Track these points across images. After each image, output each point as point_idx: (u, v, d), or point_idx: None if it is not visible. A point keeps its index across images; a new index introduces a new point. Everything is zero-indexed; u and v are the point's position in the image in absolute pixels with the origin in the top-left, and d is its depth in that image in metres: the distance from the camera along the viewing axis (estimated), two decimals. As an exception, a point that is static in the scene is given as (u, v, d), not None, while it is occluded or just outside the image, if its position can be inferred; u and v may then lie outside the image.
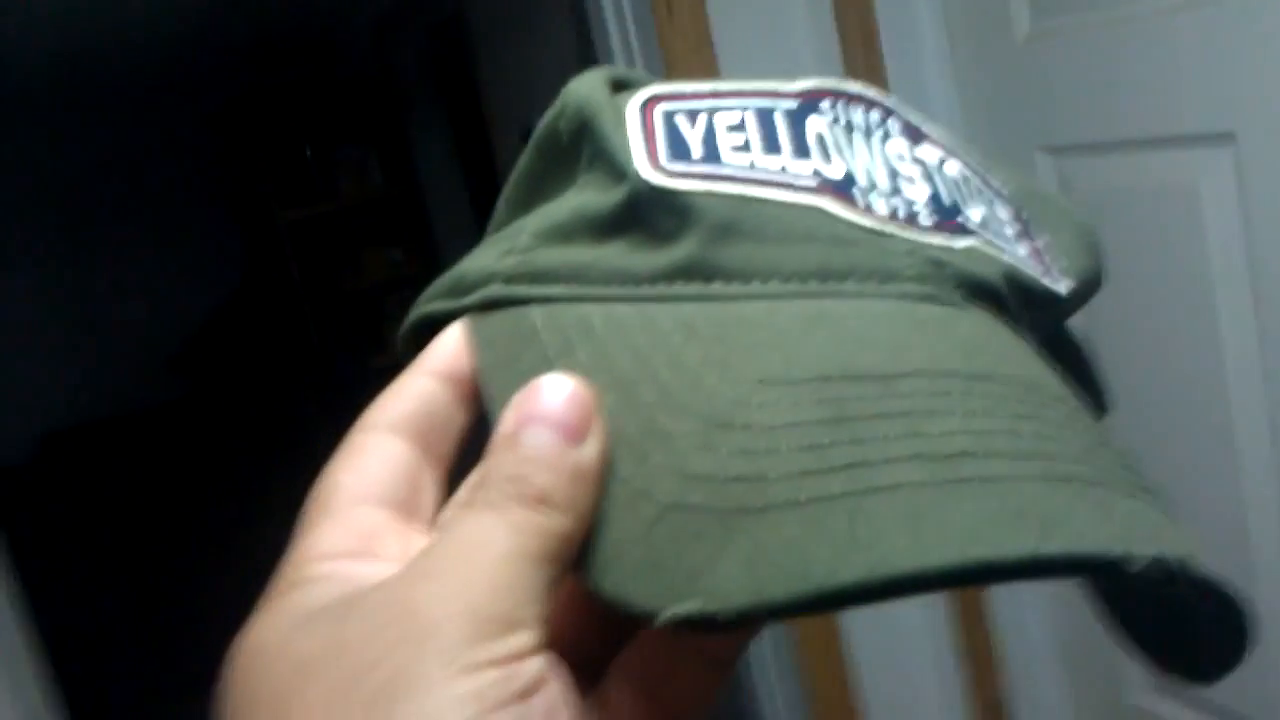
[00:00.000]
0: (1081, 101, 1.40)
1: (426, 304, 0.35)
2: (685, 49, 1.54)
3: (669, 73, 1.52)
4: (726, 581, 0.24)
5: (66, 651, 1.99)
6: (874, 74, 1.57)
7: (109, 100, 4.88)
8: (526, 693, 0.24)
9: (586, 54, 1.92)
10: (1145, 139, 1.33)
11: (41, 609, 1.62)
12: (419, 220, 4.40)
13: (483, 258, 0.35)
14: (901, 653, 1.74)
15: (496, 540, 0.26)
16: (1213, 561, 0.25)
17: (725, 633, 0.24)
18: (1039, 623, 1.75)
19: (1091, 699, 1.70)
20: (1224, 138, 1.23)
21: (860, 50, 1.57)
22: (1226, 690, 1.39)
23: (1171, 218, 1.32)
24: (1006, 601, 1.74)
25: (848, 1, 1.56)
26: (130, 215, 5.20)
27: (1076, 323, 0.41)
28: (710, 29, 1.55)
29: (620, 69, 0.37)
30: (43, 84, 4.35)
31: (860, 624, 1.69)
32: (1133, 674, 1.58)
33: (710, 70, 1.54)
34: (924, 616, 1.73)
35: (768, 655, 1.77)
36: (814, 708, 1.70)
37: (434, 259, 4.33)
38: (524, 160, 0.36)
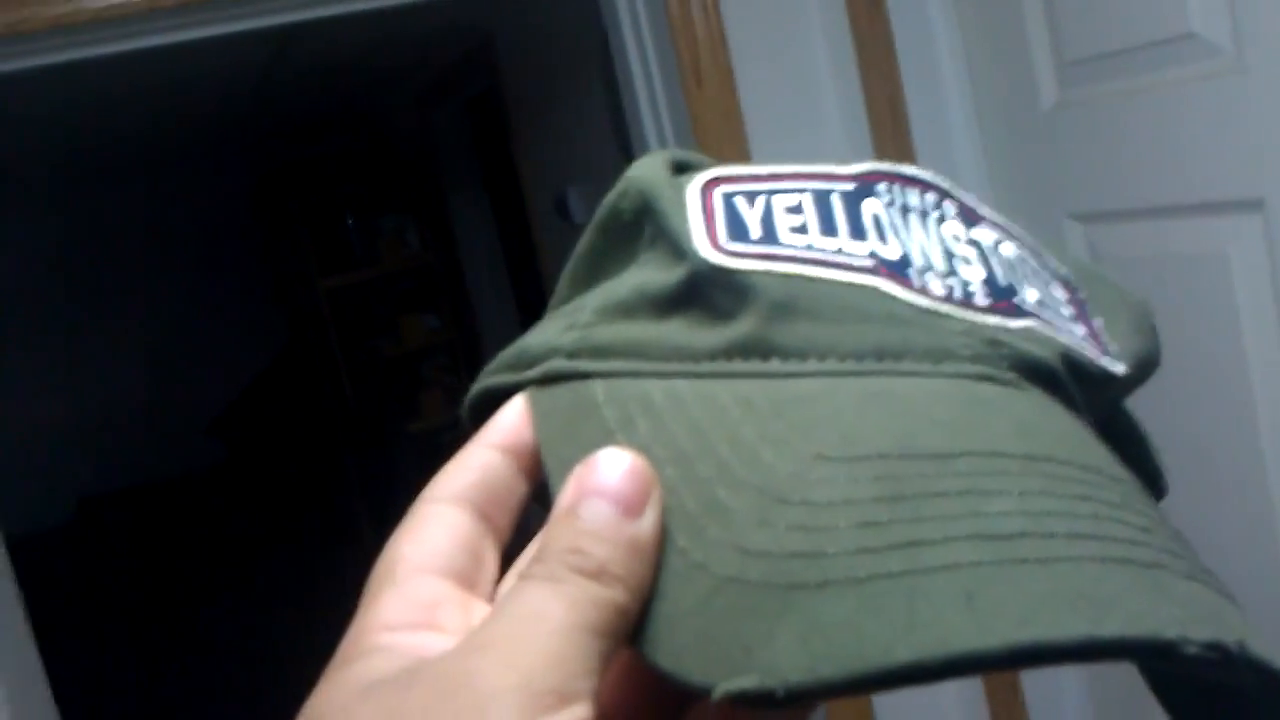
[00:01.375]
0: (1110, 169, 1.40)
1: (489, 377, 0.36)
2: (714, 119, 1.56)
3: (698, 142, 1.54)
4: (782, 657, 0.24)
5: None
6: (901, 143, 1.58)
7: (156, 173, 4.99)
8: None
9: (619, 125, 1.95)
10: (1174, 206, 1.33)
11: (70, 675, 1.62)
12: (457, 287, 4.44)
13: (545, 332, 0.35)
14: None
15: (553, 612, 0.26)
16: (1259, 643, 0.24)
17: (780, 709, 0.24)
18: (1073, 694, 1.71)
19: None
20: (1254, 205, 1.22)
21: (888, 119, 1.58)
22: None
23: (1202, 285, 1.31)
24: (1040, 672, 1.71)
25: (875, 71, 1.58)
26: (174, 283, 5.28)
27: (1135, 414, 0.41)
28: (739, 99, 1.57)
29: (681, 151, 0.38)
30: (95, 157, 4.46)
31: (891, 696, 1.66)
32: None
33: (738, 139, 1.56)
34: (956, 687, 1.70)
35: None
36: (847, 782, 1.66)
37: (471, 325, 4.37)
38: (586, 239, 0.37)
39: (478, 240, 4.18)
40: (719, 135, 1.55)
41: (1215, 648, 0.23)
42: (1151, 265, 1.37)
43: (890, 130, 1.58)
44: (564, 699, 0.25)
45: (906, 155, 1.55)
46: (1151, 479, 0.39)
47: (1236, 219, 1.25)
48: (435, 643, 0.27)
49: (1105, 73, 1.37)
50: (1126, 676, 0.32)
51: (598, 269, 0.37)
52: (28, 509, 4.56)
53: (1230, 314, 1.28)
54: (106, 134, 4.02)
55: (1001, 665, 0.23)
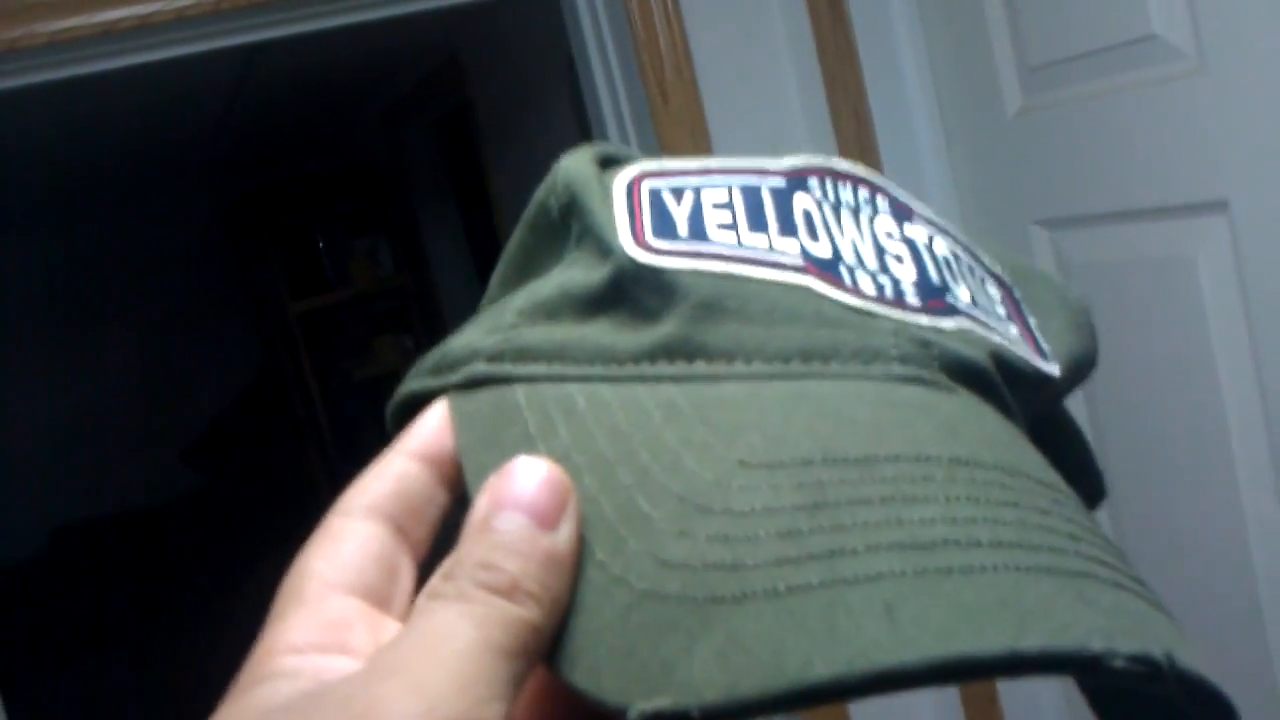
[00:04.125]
0: (1074, 174, 1.40)
1: (411, 382, 0.35)
2: (680, 135, 1.56)
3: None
4: (700, 675, 0.23)
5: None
6: (868, 153, 1.58)
7: (118, 198, 4.96)
8: None
9: (587, 141, 1.95)
10: (1139, 210, 1.33)
11: (41, 707, 1.60)
12: (429, 307, 4.42)
13: (468, 335, 0.34)
14: None
15: (461, 633, 0.25)
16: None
17: None
18: (1051, 706, 1.71)
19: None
20: (1218, 206, 1.23)
21: (853, 129, 1.59)
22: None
23: (1169, 288, 1.32)
24: (1017, 684, 1.71)
25: (839, 83, 1.58)
26: (147, 310, 5.24)
27: (1076, 399, 0.40)
28: (705, 115, 1.57)
29: (613, 146, 0.37)
30: (49, 183, 4.42)
31: (870, 712, 1.66)
32: None
33: (705, 155, 1.55)
34: (934, 699, 1.69)
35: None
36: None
37: (445, 346, 4.35)
38: (515, 236, 0.36)
39: (450, 259, 4.17)
40: (685, 151, 1.55)
41: (1142, 660, 0.23)
42: (1118, 270, 1.37)
43: (856, 140, 1.58)
44: None
45: (873, 166, 1.56)
46: (1089, 482, 0.38)
47: (1201, 221, 1.25)
48: (342, 665, 0.26)
49: (1068, 77, 1.37)
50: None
51: (527, 267, 0.36)
52: (-1, 540, 4.51)
53: (1198, 316, 1.28)
54: (72, 160, 3.99)
55: (924, 681, 0.22)
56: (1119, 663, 0.22)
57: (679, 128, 1.56)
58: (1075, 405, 0.37)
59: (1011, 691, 1.72)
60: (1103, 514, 1.47)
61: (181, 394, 5.28)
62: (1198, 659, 0.24)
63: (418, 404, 0.33)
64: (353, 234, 4.72)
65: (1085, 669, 0.22)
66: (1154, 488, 1.40)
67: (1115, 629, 0.23)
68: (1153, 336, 1.35)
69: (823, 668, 0.22)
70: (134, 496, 5.10)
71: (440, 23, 2.81)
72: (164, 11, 1.39)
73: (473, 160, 3.25)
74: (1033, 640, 0.22)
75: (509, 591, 0.25)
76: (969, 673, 0.22)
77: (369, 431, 4.54)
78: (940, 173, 1.61)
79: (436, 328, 4.47)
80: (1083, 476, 0.36)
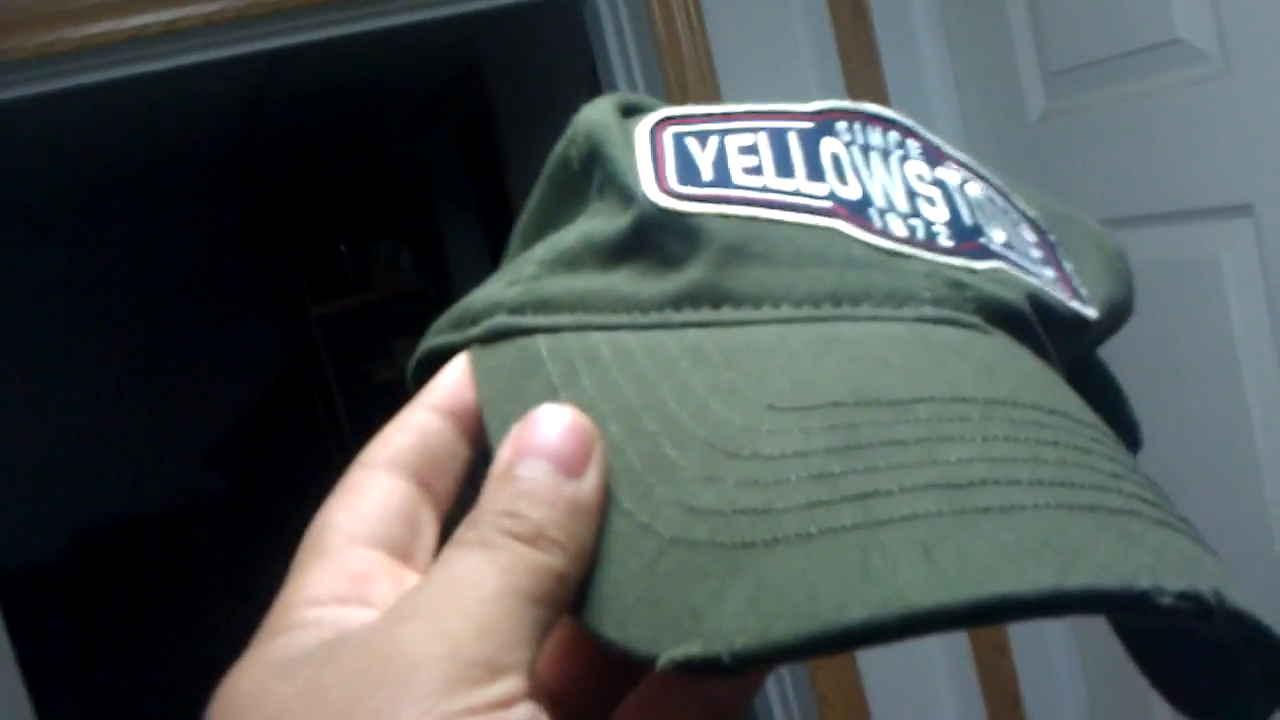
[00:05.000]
0: (1099, 178, 1.40)
1: (433, 337, 0.34)
2: (702, 137, 1.56)
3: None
4: (730, 621, 0.22)
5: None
6: (891, 157, 1.58)
7: (141, 201, 4.99)
8: None
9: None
10: (1164, 213, 1.32)
11: (64, 711, 1.60)
12: (450, 311, 4.44)
13: (489, 289, 0.34)
14: (921, 693, 1.70)
15: (485, 579, 0.24)
16: (1237, 593, 0.23)
17: (729, 676, 0.22)
18: (1064, 659, 1.70)
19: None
20: (1243, 209, 1.22)
21: (876, 134, 1.58)
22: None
23: (1194, 291, 1.31)
24: (1028, 637, 1.69)
25: (861, 87, 1.58)
26: (168, 313, 5.27)
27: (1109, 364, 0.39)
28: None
29: (634, 95, 0.36)
30: (73, 187, 4.45)
31: (878, 663, 1.65)
32: (1161, 712, 1.53)
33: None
34: (944, 655, 1.69)
35: (786, 702, 1.73)
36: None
37: (465, 349, 4.35)
38: (537, 190, 0.36)
39: (470, 264, 4.18)
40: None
41: (1190, 597, 0.22)
42: (1144, 272, 1.35)
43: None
44: (494, 671, 0.23)
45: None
46: (1125, 432, 0.37)
47: (1227, 224, 1.25)
48: (363, 616, 0.25)
49: (1092, 81, 1.37)
50: (1115, 646, 0.31)
51: (549, 221, 0.35)
52: (20, 543, 4.54)
53: (1223, 319, 1.27)
54: (96, 162, 4.02)
55: (963, 622, 0.21)
56: (1167, 600, 0.22)
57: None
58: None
59: (1028, 668, 1.72)
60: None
61: (204, 397, 5.31)
62: (1246, 598, 0.23)
63: (440, 359, 0.33)
64: (374, 238, 4.74)
65: (1132, 607, 0.22)
66: (1178, 489, 1.39)
67: (1162, 566, 0.22)
68: (1178, 339, 1.34)
69: (858, 610, 0.21)
70: (156, 499, 5.13)
71: (462, 29, 2.82)
72: (190, 17, 1.40)
73: (493, 166, 3.26)
74: (1077, 579, 0.21)
75: (533, 539, 0.25)
76: (1011, 613, 0.21)
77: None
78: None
79: (457, 332, 4.47)
80: (1118, 426, 0.34)
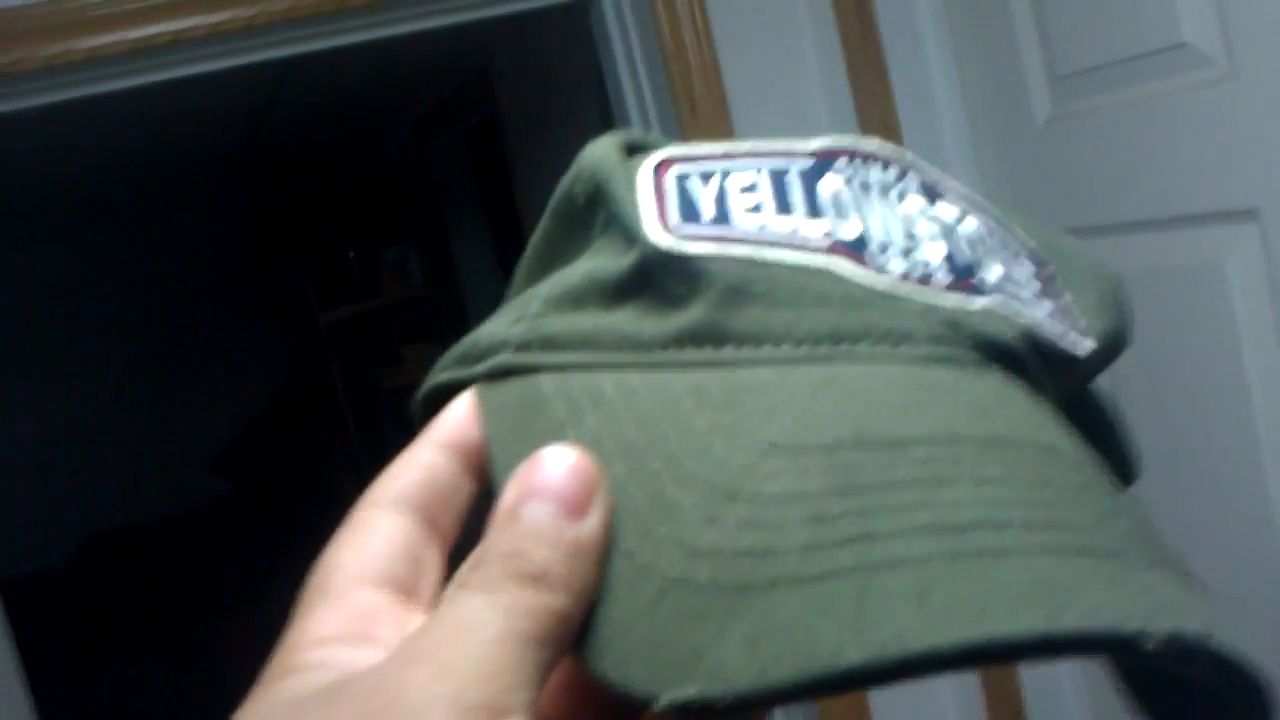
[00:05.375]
0: (1105, 183, 1.40)
1: (439, 373, 0.35)
2: (709, 143, 1.56)
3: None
4: (729, 662, 0.23)
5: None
6: (897, 162, 1.58)
7: (152, 209, 5.01)
8: None
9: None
10: (1170, 218, 1.33)
11: (75, 716, 1.61)
12: (459, 317, 4.44)
13: (495, 325, 0.34)
14: (924, 705, 1.71)
15: (488, 621, 0.25)
16: (1256, 643, 0.23)
17: (728, 717, 0.23)
18: (1069, 671, 1.70)
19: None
20: (1249, 214, 1.22)
21: (882, 139, 1.58)
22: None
23: (1200, 296, 1.31)
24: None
25: (868, 93, 1.58)
26: (177, 319, 5.29)
27: (1108, 394, 0.39)
28: (733, 126, 1.58)
29: (638, 132, 0.37)
30: (83, 193, 4.47)
31: (886, 693, 1.65)
32: None
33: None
34: (952, 686, 1.68)
35: (788, 712, 1.73)
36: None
37: (473, 355, 4.36)
38: (541, 225, 0.36)
39: (478, 270, 4.19)
40: (714, 159, 1.56)
41: (1177, 641, 0.22)
42: (1150, 278, 1.36)
43: (885, 150, 1.58)
44: (497, 713, 0.23)
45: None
46: (1124, 462, 0.37)
47: (1232, 229, 1.25)
48: (369, 657, 0.26)
49: (1098, 85, 1.37)
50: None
51: (553, 256, 0.36)
52: (27, 548, 4.55)
53: (1229, 324, 1.27)
54: (105, 169, 4.04)
55: (956, 665, 0.22)
56: (1153, 644, 0.22)
57: (707, 138, 1.56)
58: (1103, 390, 0.37)
59: (1033, 679, 1.72)
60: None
61: (212, 403, 5.32)
62: (1237, 639, 0.23)
63: (445, 395, 0.33)
64: (382, 244, 4.75)
65: (1119, 650, 0.22)
66: (1183, 497, 1.39)
67: (1150, 609, 0.23)
68: (1184, 344, 1.34)
69: (855, 653, 0.22)
70: (164, 505, 5.14)
71: (470, 36, 2.83)
72: (199, 27, 1.41)
73: (501, 172, 3.27)
74: (1066, 621, 0.22)
75: (537, 580, 0.25)
76: (1002, 655, 0.22)
77: (397, 439, 4.55)
78: (970, 182, 1.61)
79: (464, 337, 4.48)
80: (1117, 455, 0.35)
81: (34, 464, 4.83)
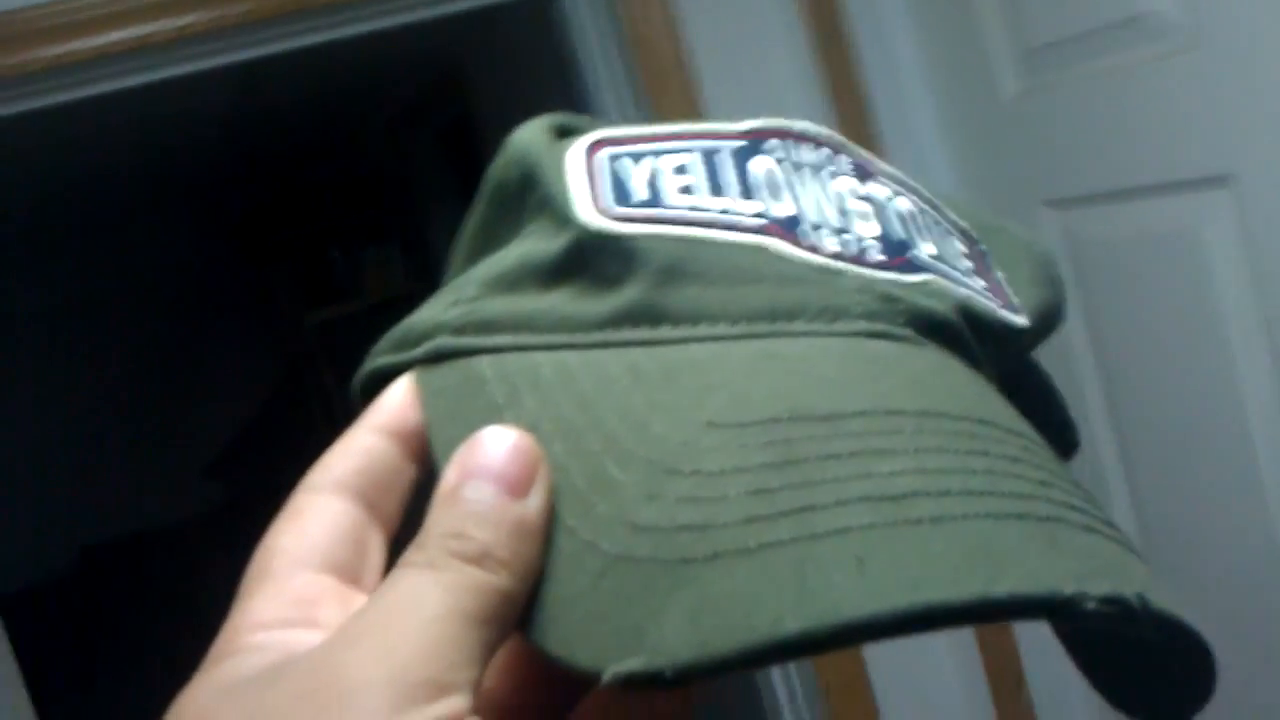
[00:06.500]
0: (1077, 154, 1.40)
1: (376, 358, 0.35)
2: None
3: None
4: (672, 635, 0.23)
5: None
6: (868, 144, 1.58)
7: (131, 217, 4.99)
8: None
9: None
10: (1145, 186, 1.33)
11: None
12: (444, 314, 4.44)
13: (431, 309, 0.34)
14: (925, 675, 1.72)
15: (430, 600, 0.25)
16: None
17: (672, 688, 0.23)
18: (1077, 687, 1.70)
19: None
20: (1223, 180, 1.22)
21: (854, 120, 1.58)
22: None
23: (1177, 263, 1.31)
24: (1044, 667, 1.70)
25: (838, 76, 1.58)
26: (163, 326, 5.28)
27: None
28: (705, 110, 1.58)
29: (568, 116, 0.37)
30: (62, 204, 4.45)
31: (881, 647, 1.66)
32: None
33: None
34: (947, 637, 1.70)
35: (791, 688, 1.74)
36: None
37: (460, 351, 4.36)
38: (474, 209, 0.36)
39: (461, 265, 4.19)
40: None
41: (1114, 601, 0.23)
42: (1126, 247, 1.37)
43: (856, 132, 1.58)
44: (439, 690, 0.23)
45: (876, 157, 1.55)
46: (1063, 433, 0.38)
47: (1207, 195, 1.25)
48: (311, 639, 0.26)
49: (1065, 58, 1.37)
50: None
51: (487, 240, 0.36)
52: (23, 561, 4.54)
53: (1207, 290, 1.28)
54: (79, 178, 4.02)
55: (896, 631, 0.22)
56: (1091, 605, 0.22)
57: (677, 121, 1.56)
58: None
59: (1038, 674, 1.72)
60: (1119, 490, 1.47)
61: (203, 409, 5.32)
62: (1171, 600, 0.24)
63: (383, 380, 0.33)
64: (365, 244, 4.74)
65: (1057, 613, 0.22)
66: (1170, 463, 1.40)
67: (1087, 572, 0.23)
68: (1162, 313, 1.34)
69: (793, 623, 0.22)
70: (160, 513, 5.14)
71: (438, 34, 2.82)
72: (163, 31, 1.40)
73: (476, 168, 3.26)
74: (1004, 586, 0.22)
75: (479, 559, 0.25)
76: (941, 621, 0.22)
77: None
78: (944, 162, 1.61)
79: (451, 334, 4.48)
80: (1055, 428, 0.36)
81: (27, 476, 4.82)
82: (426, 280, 4.53)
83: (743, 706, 1.91)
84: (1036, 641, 1.71)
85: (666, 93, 1.56)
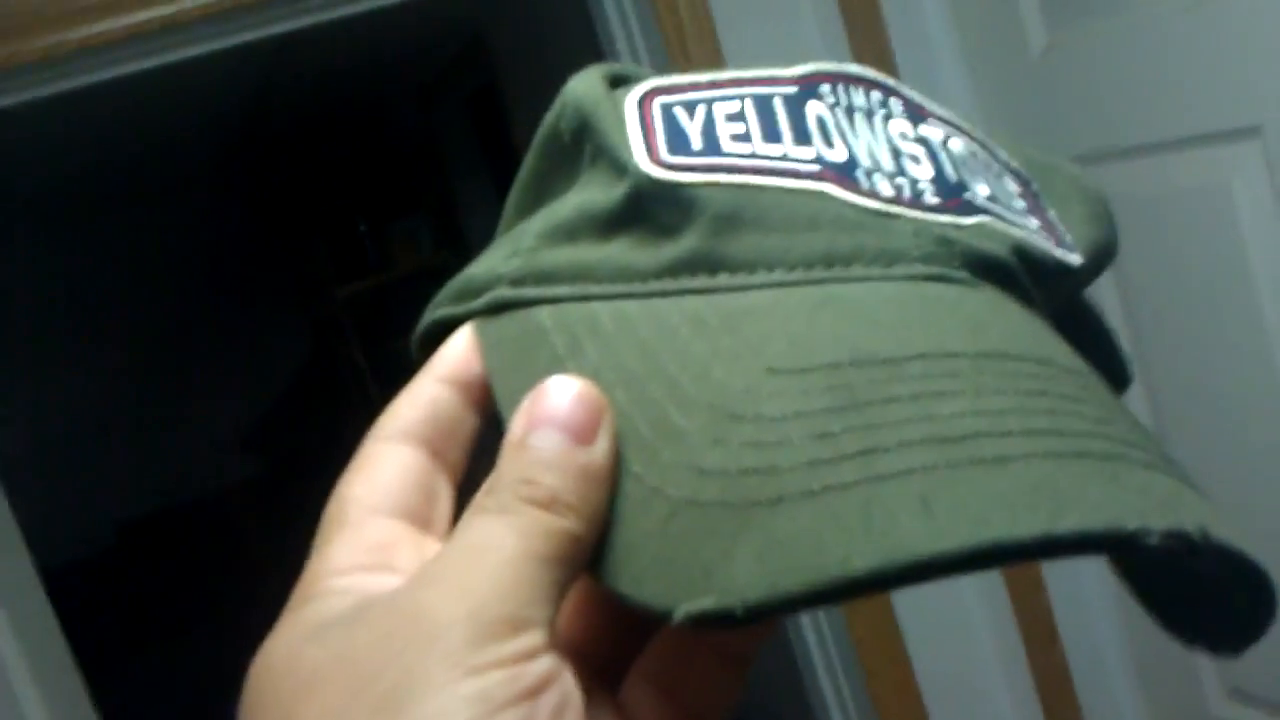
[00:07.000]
0: (1106, 108, 1.39)
1: (435, 310, 0.35)
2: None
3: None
4: (741, 576, 0.23)
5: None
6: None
7: (166, 193, 5.02)
8: (533, 691, 0.24)
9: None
10: (1174, 140, 1.32)
11: (120, 700, 1.64)
12: (472, 284, 4.44)
13: (489, 261, 0.35)
14: (973, 678, 1.71)
15: (504, 543, 0.26)
16: (1223, 528, 0.24)
17: (741, 627, 0.23)
18: (1112, 641, 1.71)
19: (1170, 714, 1.65)
20: (1251, 132, 1.21)
21: (880, 79, 1.57)
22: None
23: (1207, 216, 1.30)
24: (1062, 572, 1.70)
25: (863, 35, 1.57)
26: (195, 303, 5.32)
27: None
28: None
29: (620, 65, 0.37)
30: (106, 180, 4.49)
31: (914, 606, 1.67)
32: (1211, 684, 1.53)
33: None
34: (979, 595, 1.70)
35: (835, 685, 1.75)
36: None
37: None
38: (528, 161, 0.36)
39: (488, 236, 4.15)
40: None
41: (1177, 535, 0.23)
42: (1156, 201, 1.36)
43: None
44: (515, 627, 0.24)
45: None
46: (1115, 370, 0.38)
47: (1235, 148, 1.24)
48: (390, 583, 0.27)
49: (1092, 12, 1.36)
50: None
51: (542, 192, 0.36)
52: (65, 538, 4.60)
53: (1236, 242, 1.27)
54: (108, 157, 4.05)
55: (962, 568, 0.22)
56: (1153, 539, 0.23)
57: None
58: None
59: (1071, 629, 1.73)
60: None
61: (238, 382, 5.36)
62: (1233, 532, 0.24)
63: (442, 331, 0.34)
64: (393, 216, 4.75)
65: (1120, 548, 0.23)
66: (1201, 417, 1.39)
67: (1148, 507, 0.23)
68: (1193, 266, 1.33)
69: (861, 561, 0.22)
70: (196, 486, 5.19)
71: (463, 2, 2.82)
72: (190, 9, 1.41)
73: (504, 137, 3.26)
74: (1067, 523, 0.22)
75: (549, 504, 0.26)
76: (1006, 557, 0.22)
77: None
78: (970, 117, 1.60)
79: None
80: (1109, 364, 0.36)
81: (62, 455, 4.88)
82: (455, 251, 4.54)
83: (775, 664, 1.93)
84: (1070, 596, 1.72)
85: (691, 58, 1.55)
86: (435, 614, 0.24)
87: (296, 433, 5.27)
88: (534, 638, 0.25)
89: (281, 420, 5.33)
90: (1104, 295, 1.41)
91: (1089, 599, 1.71)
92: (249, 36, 1.51)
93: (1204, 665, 1.52)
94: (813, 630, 1.76)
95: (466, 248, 4.29)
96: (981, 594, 1.71)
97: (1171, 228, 1.34)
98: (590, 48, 1.80)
